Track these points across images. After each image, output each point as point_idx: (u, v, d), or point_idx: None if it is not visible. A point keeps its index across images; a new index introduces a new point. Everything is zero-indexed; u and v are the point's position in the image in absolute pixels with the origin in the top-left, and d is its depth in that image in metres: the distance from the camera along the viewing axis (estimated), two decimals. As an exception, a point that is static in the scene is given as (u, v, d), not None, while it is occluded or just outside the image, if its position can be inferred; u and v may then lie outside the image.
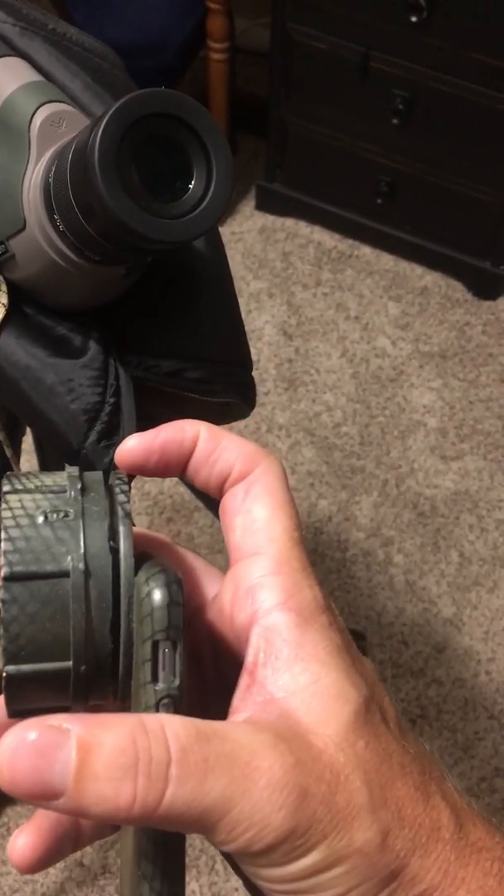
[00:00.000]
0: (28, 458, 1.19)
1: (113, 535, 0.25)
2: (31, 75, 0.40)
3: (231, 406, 0.49)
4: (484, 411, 1.60)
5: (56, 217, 0.36)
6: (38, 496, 0.26)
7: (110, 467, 0.28)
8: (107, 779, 0.22)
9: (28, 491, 0.26)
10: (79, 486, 0.26)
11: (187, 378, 0.45)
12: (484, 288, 1.72)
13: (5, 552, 0.25)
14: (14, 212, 0.38)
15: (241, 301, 1.73)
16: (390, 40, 1.42)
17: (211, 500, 0.31)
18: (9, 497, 0.26)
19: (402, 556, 1.45)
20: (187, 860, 1.20)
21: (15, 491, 0.26)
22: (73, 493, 0.26)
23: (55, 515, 0.25)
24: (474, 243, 1.67)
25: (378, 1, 1.38)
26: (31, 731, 0.22)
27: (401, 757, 0.25)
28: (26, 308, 0.43)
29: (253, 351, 1.64)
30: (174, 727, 0.23)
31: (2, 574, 0.24)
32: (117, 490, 0.27)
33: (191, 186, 0.34)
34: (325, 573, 1.41)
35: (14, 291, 0.42)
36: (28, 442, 0.68)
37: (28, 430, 0.67)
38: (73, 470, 0.27)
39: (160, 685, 0.24)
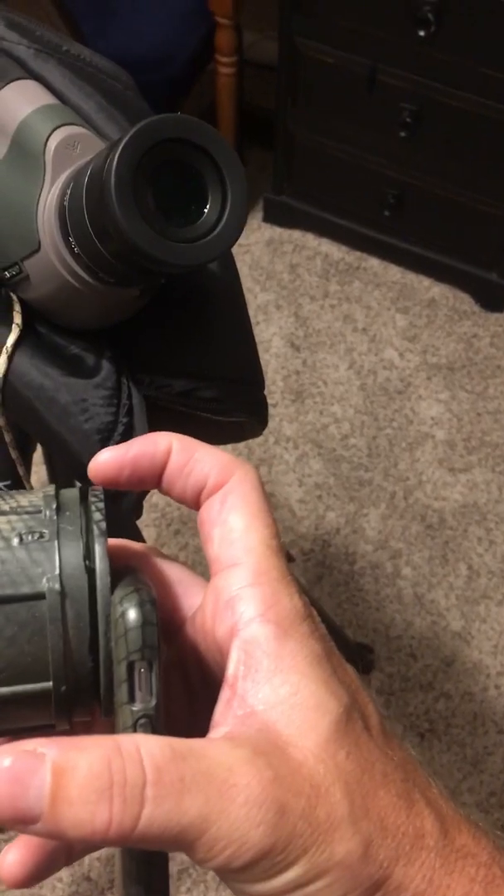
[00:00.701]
0: (36, 471, 1.19)
1: (88, 554, 0.25)
2: (46, 98, 0.40)
3: (244, 425, 0.49)
4: (492, 423, 1.59)
5: (71, 239, 0.37)
6: (14, 517, 0.26)
7: (86, 491, 0.28)
8: (82, 803, 0.22)
9: (3, 513, 0.26)
10: (54, 505, 0.26)
11: (200, 397, 0.45)
12: (491, 300, 1.72)
13: None
14: (29, 233, 0.39)
15: (249, 313, 1.73)
16: (398, 54, 1.43)
17: None
18: None
19: (411, 568, 1.44)
20: (179, 870, 1.19)
21: None
22: (48, 512, 0.26)
23: (30, 537, 0.25)
24: (481, 255, 1.67)
25: (385, 15, 1.39)
26: (5, 757, 0.22)
27: (383, 765, 0.25)
28: (40, 328, 0.43)
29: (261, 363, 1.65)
30: (149, 747, 0.22)
31: None
32: (93, 508, 0.26)
33: (206, 211, 0.34)
34: (333, 586, 1.41)
35: (28, 311, 0.42)
36: (37, 454, 0.68)
37: (38, 446, 0.67)
38: (49, 489, 0.27)
39: (137, 706, 0.24)
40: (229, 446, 0.49)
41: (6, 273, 0.41)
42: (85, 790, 0.22)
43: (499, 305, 1.72)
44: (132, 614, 0.24)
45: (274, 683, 0.25)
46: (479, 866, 0.25)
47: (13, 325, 0.42)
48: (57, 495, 0.27)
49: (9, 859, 0.27)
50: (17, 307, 0.42)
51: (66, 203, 0.36)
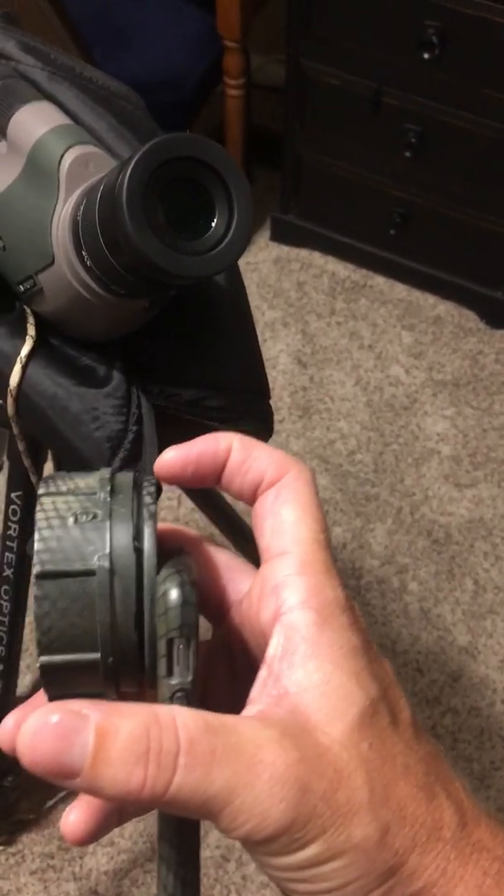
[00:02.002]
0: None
1: (138, 535, 0.27)
2: (60, 119, 0.42)
3: (250, 434, 0.50)
4: (497, 439, 1.60)
5: (84, 253, 0.38)
6: (71, 498, 0.28)
7: (140, 477, 0.30)
8: (120, 763, 0.23)
9: (61, 493, 0.28)
10: (108, 488, 0.28)
11: (207, 406, 0.46)
12: (496, 317, 1.73)
13: (37, 552, 0.26)
14: (43, 248, 0.40)
15: (257, 330, 1.75)
16: (402, 76, 1.45)
17: (209, 503, 0.32)
18: (43, 499, 0.28)
19: (417, 583, 1.45)
20: (203, 890, 1.19)
21: (48, 494, 0.28)
22: (102, 495, 0.28)
23: (85, 517, 0.27)
24: (486, 273, 1.69)
25: (391, 38, 1.41)
26: (53, 714, 0.24)
27: (405, 758, 0.26)
28: (53, 339, 0.44)
29: (268, 379, 1.66)
30: (185, 719, 0.24)
31: (34, 572, 0.26)
32: (144, 493, 0.28)
33: (213, 225, 0.36)
34: (340, 600, 1.42)
35: (42, 323, 0.44)
36: (49, 469, 0.70)
37: (49, 455, 0.69)
38: (105, 472, 0.29)
39: (174, 679, 0.25)
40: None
41: (21, 286, 0.43)
42: (124, 753, 0.23)
43: (504, 322, 1.74)
44: (173, 594, 0.25)
45: (308, 668, 0.26)
46: (493, 860, 0.26)
47: (27, 337, 0.44)
48: (112, 479, 0.29)
49: (71, 818, 0.29)
50: (31, 319, 0.44)
51: (79, 218, 0.38)
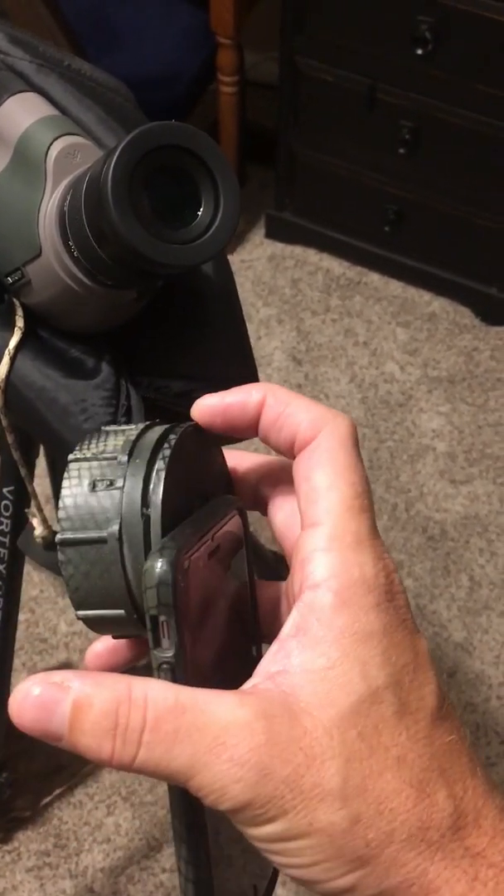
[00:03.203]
0: (40, 483, 1.20)
1: (146, 502, 0.28)
2: (48, 110, 0.42)
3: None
4: (493, 435, 1.60)
5: (71, 244, 0.38)
6: (94, 464, 0.29)
7: (171, 430, 0.31)
8: (92, 735, 0.25)
9: (86, 459, 0.29)
10: (128, 451, 0.29)
11: (196, 398, 0.46)
12: (491, 313, 1.73)
13: (60, 519, 0.28)
14: (30, 239, 0.40)
15: (251, 327, 1.75)
16: (396, 72, 1.45)
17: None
18: (71, 465, 0.29)
19: (412, 580, 1.45)
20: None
21: (76, 459, 0.29)
22: (122, 458, 0.29)
23: (102, 484, 0.28)
24: (481, 270, 1.69)
25: (384, 34, 1.41)
26: (35, 686, 0.25)
27: (403, 750, 0.26)
28: (41, 331, 0.44)
29: (263, 377, 1.66)
30: (155, 695, 0.25)
31: (57, 539, 0.28)
32: (160, 456, 0.28)
33: (199, 214, 0.36)
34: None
35: (30, 315, 0.44)
36: (41, 466, 0.69)
37: (41, 451, 0.68)
38: (134, 431, 0.30)
39: (159, 652, 0.26)
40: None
41: (9, 278, 0.42)
42: (95, 726, 0.25)
43: (498, 319, 1.74)
44: (154, 572, 0.26)
45: (315, 652, 0.26)
46: (489, 867, 0.25)
47: (15, 329, 0.43)
48: (138, 438, 0.29)
49: (97, 648, 0.33)
50: (19, 311, 0.44)
51: (65, 209, 0.38)
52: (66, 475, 0.29)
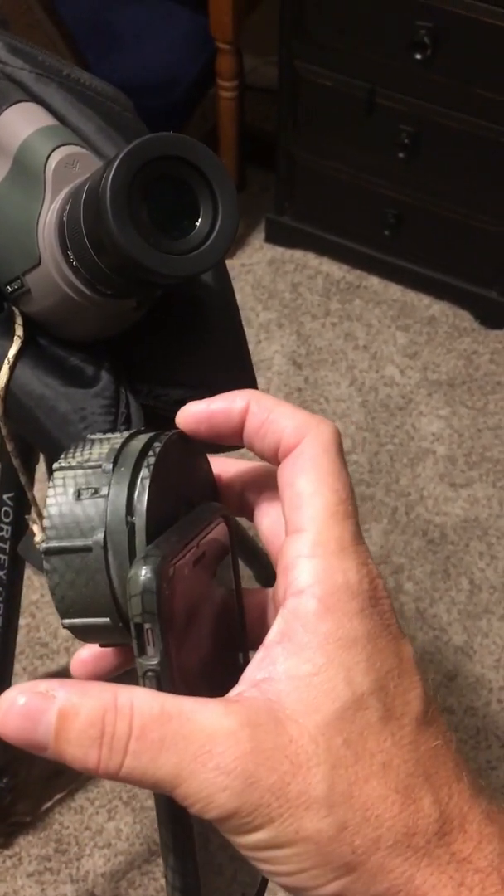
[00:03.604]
0: (40, 490, 1.20)
1: (130, 510, 0.28)
2: (47, 119, 0.42)
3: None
4: (493, 439, 1.60)
5: (70, 253, 0.38)
6: (79, 472, 0.29)
7: (155, 438, 0.31)
8: (78, 744, 0.25)
9: (71, 467, 0.29)
10: (112, 459, 0.29)
11: None
12: (491, 317, 1.74)
13: (45, 528, 0.28)
14: (30, 249, 0.40)
15: (251, 331, 1.75)
16: (395, 77, 1.46)
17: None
18: (55, 473, 0.29)
19: (413, 583, 1.45)
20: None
21: (61, 468, 0.29)
22: (106, 466, 0.29)
23: (87, 493, 0.28)
24: (481, 273, 1.69)
25: (383, 39, 1.42)
26: (21, 696, 0.25)
27: (388, 756, 0.26)
28: (41, 340, 0.44)
29: (263, 380, 1.66)
30: (142, 704, 0.25)
31: (42, 549, 0.28)
32: (144, 464, 0.28)
33: (197, 224, 0.36)
34: (336, 601, 1.42)
35: (29, 324, 0.44)
36: (42, 472, 0.70)
37: (41, 457, 0.69)
38: (118, 439, 0.30)
39: (144, 660, 0.26)
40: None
41: (8, 287, 0.43)
42: (81, 735, 0.25)
43: (498, 322, 1.74)
44: (139, 580, 0.26)
45: (300, 658, 0.26)
46: (475, 872, 0.25)
47: (15, 338, 0.44)
48: (123, 446, 0.29)
49: (83, 656, 0.33)
50: (18, 320, 0.44)
51: (64, 219, 0.38)
52: (50, 484, 0.29)
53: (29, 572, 1.27)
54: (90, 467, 0.29)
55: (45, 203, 0.40)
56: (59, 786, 1.26)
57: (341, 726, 0.26)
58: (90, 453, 0.30)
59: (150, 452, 0.29)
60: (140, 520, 0.27)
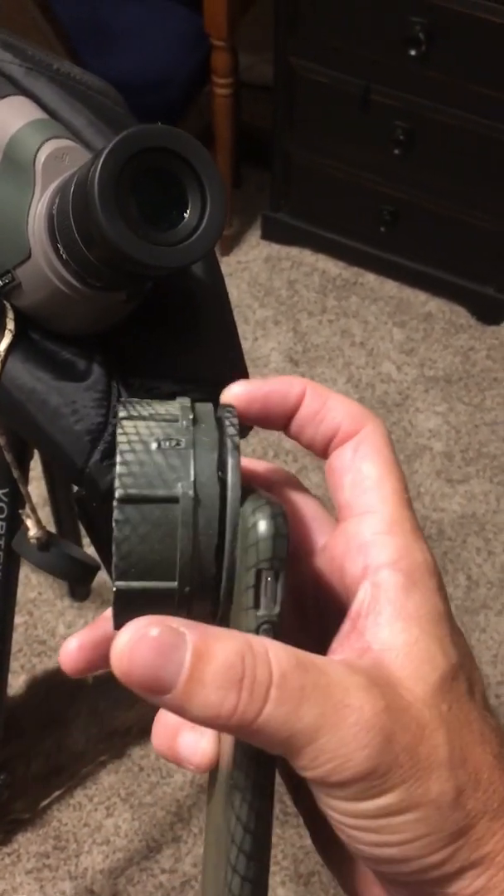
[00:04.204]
0: (36, 486, 1.20)
1: (222, 466, 0.26)
2: (37, 113, 0.42)
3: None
4: (489, 435, 1.61)
5: (59, 246, 0.38)
6: (152, 423, 0.27)
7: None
8: (214, 687, 0.23)
9: (142, 418, 0.27)
10: (190, 416, 0.27)
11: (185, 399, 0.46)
12: (487, 313, 1.74)
13: (120, 475, 0.26)
14: (20, 242, 0.40)
15: (248, 329, 1.75)
16: (390, 74, 1.46)
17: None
18: (124, 423, 0.27)
19: (410, 579, 1.45)
20: (182, 882, 1.19)
21: (130, 417, 0.28)
22: (185, 422, 0.27)
23: (168, 443, 0.27)
24: (477, 269, 1.69)
25: (378, 36, 1.42)
26: (153, 627, 0.24)
27: (481, 726, 0.26)
28: (32, 334, 0.44)
29: (259, 377, 1.66)
30: (277, 652, 0.24)
31: (116, 495, 0.26)
32: (227, 423, 0.27)
33: (186, 215, 0.36)
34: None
35: (20, 318, 0.44)
36: (36, 468, 0.70)
37: (36, 453, 0.69)
38: (185, 400, 0.28)
39: (261, 611, 0.25)
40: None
41: (-1, 281, 0.43)
42: (219, 676, 0.23)
43: (495, 318, 1.74)
44: (263, 525, 0.25)
45: (394, 629, 0.26)
46: None
47: (6, 331, 0.44)
48: (193, 407, 0.28)
49: (71, 647, 0.32)
50: (10, 314, 0.44)
51: (54, 212, 0.38)
52: (120, 433, 0.27)
53: (27, 570, 1.27)
54: (166, 420, 0.27)
55: (34, 197, 0.40)
56: (57, 783, 1.27)
57: (445, 694, 0.26)
58: (154, 409, 0.28)
59: (228, 413, 0.28)
60: (234, 476, 0.26)
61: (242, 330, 1.69)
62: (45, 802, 1.26)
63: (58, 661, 0.34)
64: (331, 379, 1.67)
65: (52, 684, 1.32)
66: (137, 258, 0.34)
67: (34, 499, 0.53)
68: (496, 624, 1.41)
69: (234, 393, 0.31)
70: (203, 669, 0.23)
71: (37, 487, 1.17)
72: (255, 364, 1.67)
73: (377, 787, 0.24)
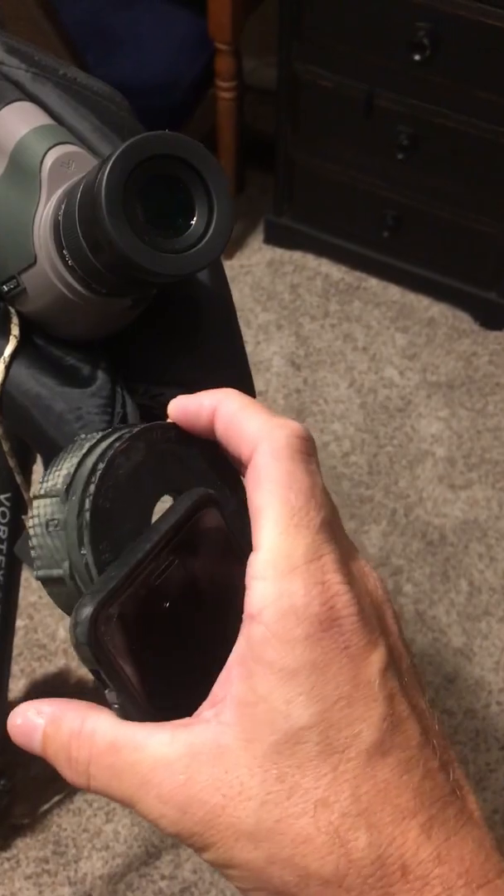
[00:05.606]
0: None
1: (81, 542, 0.29)
2: (43, 119, 0.42)
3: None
4: (492, 440, 1.60)
5: (65, 252, 0.38)
6: (46, 501, 0.31)
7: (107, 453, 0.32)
8: (56, 762, 0.29)
9: (41, 496, 0.31)
10: (65, 488, 0.30)
11: None
12: (490, 318, 1.73)
13: (34, 558, 0.31)
14: (25, 248, 0.40)
15: (250, 333, 1.75)
16: (394, 78, 1.46)
17: None
18: (33, 503, 0.31)
19: (412, 585, 1.45)
20: (182, 888, 1.18)
21: (36, 496, 0.31)
22: (61, 497, 0.30)
23: (52, 525, 0.30)
24: (480, 275, 1.69)
25: (382, 40, 1.42)
26: (17, 717, 0.30)
27: (324, 793, 0.25)
28: (37, 339, 0.44)
29: (262, 381, 1.66)
30: (101, 735, 0.28)
31: (35, 576, 0.31)
32: (91, 488, 0.30)
33: (193, 223, 0.36)
34: (335, 602, 1.41)
35: (25, 323, 0.44)
36: (39, 473, 0.69)
37: (38, 458, 0.69)
38: (76, 458, 0.31)
39: (108, 694, 0.28)
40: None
41: (4, 287, 0.42)
42: (56, 756, 0.29)
43: (497, 324, 1.74)
44: (73, 633, 0.28)
45: (247, 685, 0.26)
46: None
47: (11, 337, 0.43)
48: (80, 464, 0.31)
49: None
50: (14, 319, 0.44)
51: (60, 218, 0.38)
52: (30, 513, 0.31)
53: (28, 574, 1.27)
54: (53, 496, 0.31)
55: (40, 202, 0.39)
56: (56, 788, 1.26)
57: (277, 760, 0.25)
58: (59, 473, 0.31)
59: (92, 478, 0.30)
60: (90, 557, 0.29)
61: (245, 334, 1.69)
62: (45, 807, 1.26)
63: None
64: (333, 383, 1.67)
65: (53, 688, 1.32)
66: (143, 265, 0.34)
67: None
68: (498, 631, 1.40)
69: (169, 408, 0.33)
70: (48, 749, 0.29)
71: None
72: (257, 368, 1.67)
73: (194, 845, 0.27)
